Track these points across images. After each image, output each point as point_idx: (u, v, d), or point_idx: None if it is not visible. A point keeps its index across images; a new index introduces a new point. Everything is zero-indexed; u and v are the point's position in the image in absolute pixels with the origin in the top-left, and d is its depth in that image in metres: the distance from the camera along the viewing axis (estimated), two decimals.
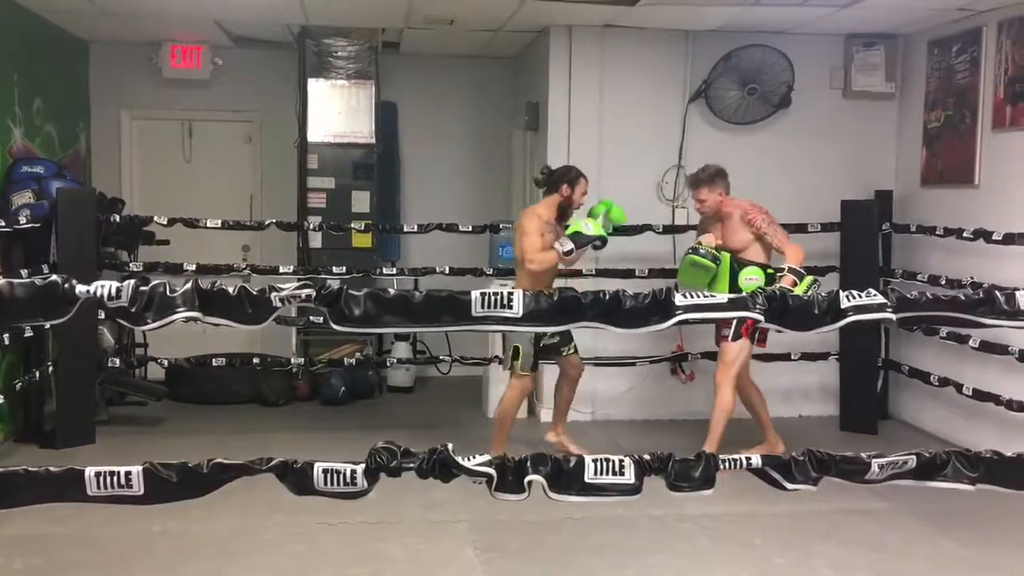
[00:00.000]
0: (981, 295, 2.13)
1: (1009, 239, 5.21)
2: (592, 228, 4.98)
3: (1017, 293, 2.13)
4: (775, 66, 6.40)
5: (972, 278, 5.53)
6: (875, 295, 2.08)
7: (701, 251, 5.17)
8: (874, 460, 2.20)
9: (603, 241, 5.06)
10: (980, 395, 5.53)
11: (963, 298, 2.15)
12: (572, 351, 5.40)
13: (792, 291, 4.90)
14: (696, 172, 5.37)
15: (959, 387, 5.70)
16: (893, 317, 2.10)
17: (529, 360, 5.11)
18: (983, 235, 5.40)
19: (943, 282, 5.76)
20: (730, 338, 5.23)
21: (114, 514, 3.34)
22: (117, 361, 6.24)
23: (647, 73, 6.49)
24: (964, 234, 5.55)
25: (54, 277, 1.89)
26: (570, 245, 4.91)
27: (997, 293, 2.13)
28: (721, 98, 6.46)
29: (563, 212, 5.13)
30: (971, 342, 5.56)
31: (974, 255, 5.67)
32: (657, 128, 6.48)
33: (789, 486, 2.22)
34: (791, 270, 5.02)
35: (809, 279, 5.06)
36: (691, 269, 5.20)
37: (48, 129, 6.71)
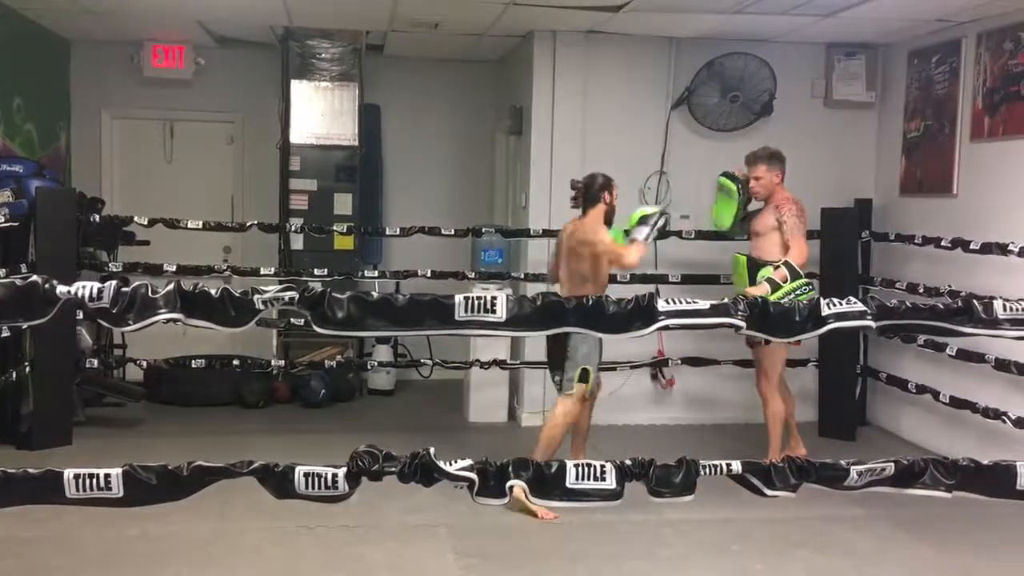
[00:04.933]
0: (960, 304, 2.16)
1: (986, 248, 5.26)
2: (650, 208, 4.95)
3: (995, 302, 2.15)
4: (757, 74, 6.44)
5: (950, 286, 5.58)
6: (855, 303, 2.10)
7: (731, 173, 5.36)
8: (853, 467, 2.22)
9: (665, 217, 4.99)
10: (957, 403, 5.58)
11: (942, 307, 2.17)
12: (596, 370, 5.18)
13: (775, 285, 4.96)
14: (756, 150, 5.38)
15: (936, 394, 5.75)
16: (873, 325, 2.12)
17: (596, 386, 5.02)
18: (961, 244, 5.45)
19: (921, 290, 5.82)
20: (771, 343, 5.22)
21: (91, 517, 3.31)
22: (95, 362, 6.20)
23: (630, 79, 6.51)
24: (942, 243, 5.60)
25: (35, 277, 1.88)
26: (645, 230, 4.82)
27: (975, 302, 2.16)
28: (703, 105, 6.50)
29: (608, 220, 5.01)
30: (948, 350, 5.61)
31: (952, 264, 5.72)
32: (640, 134, 6.51)
33: (769, 492, 2.24)
34: (786, 264, 5.06)
35: (796, 283, 5.03)
36: (718, 194, 5.46)
37: (28, 128, 6.66)
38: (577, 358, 4.87)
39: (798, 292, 5.02)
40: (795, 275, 5.04)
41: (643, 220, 4.86)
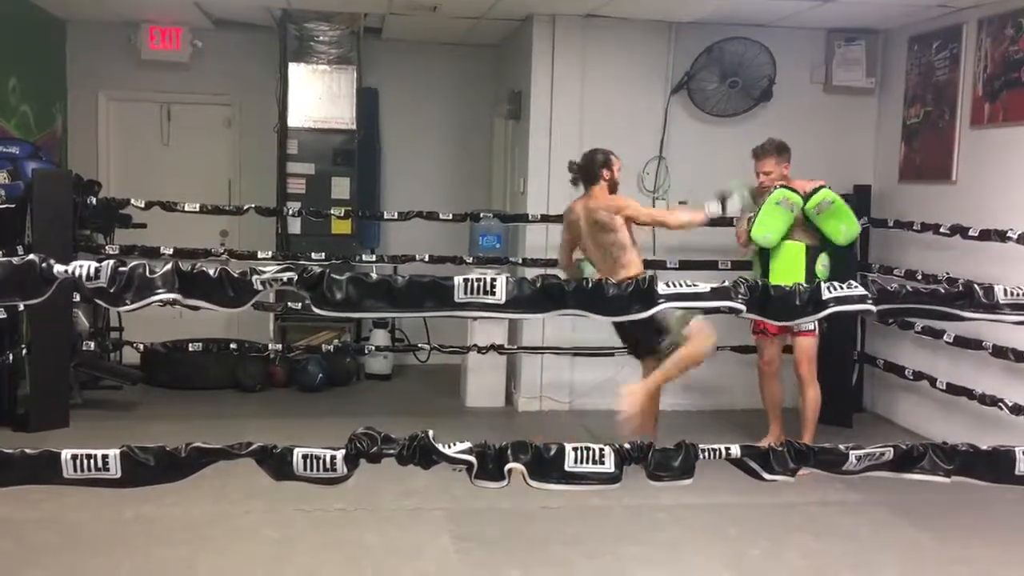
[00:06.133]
0: (960, 288, 2.15)
1: (985, 235, 5.26)
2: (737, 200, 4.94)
3: (995, 287, 2.15)
4: (757, 59, 6.42)
5: (948, 273, 5.58)
6: (856, 287, 2.09)
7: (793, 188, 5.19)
8: (852, 452, 2.22)
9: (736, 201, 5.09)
10: (954, 389, 5.59)
11: (943, 291, 2.17)
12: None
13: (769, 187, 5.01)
14: (763, 144, 5.32)
15: (933, 381, 5.76)
16: (873, 309, 2.11)
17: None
18: (959, 231, 5.45)
19: (919, 277, 5.82)
20: (815, 331, 5.25)
21: (87, 498, 3.31)
22: (92, 344, 6.18)
23: (629, 64, 6.49)
24: (941, 230, 5.60)
25: (32, 256, 1.87)
26: (718, 208, 4.88)
27: (976, 286, 2.15)
28: (702, 90, 6.48)
29: (611, 193, 5.02)
30: (946, 337, 5.62)
31: (950, 251, 5.72)
32: (639, 119, 6.49)
33: (767, 476, 2.23)
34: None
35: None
36: (776, 208, 5.15)
37: (24, 109, 6.63)
38: (673, 324, 4.83)
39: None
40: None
41: (723, 197, 4.85)
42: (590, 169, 4.93)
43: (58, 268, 1.86)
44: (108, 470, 2.01)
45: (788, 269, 5.21)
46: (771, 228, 5.18)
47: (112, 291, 1.86)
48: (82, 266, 1.87)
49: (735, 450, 2.23)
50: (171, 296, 1.90)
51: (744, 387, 6.33)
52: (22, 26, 6.65)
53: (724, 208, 4.91)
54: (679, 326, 4.83)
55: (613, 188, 4.97)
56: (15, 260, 1.87)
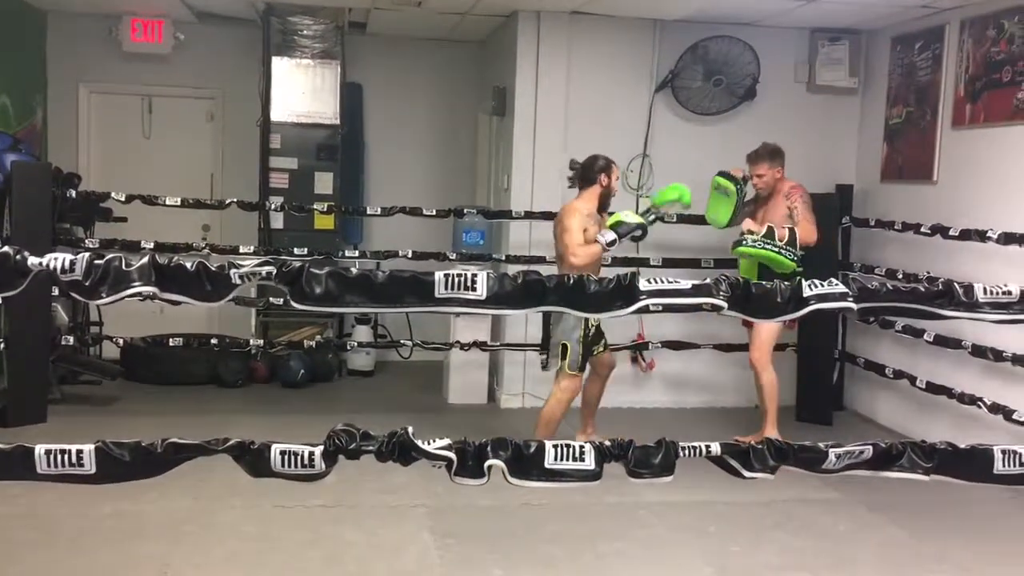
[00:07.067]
0: (940, 287, 2.16)
1: (965, 235, 5.29)
2: (632, 217, 4.96)
3: (975, 285, 2.15)
4: (741, 58, 6.43)
5: (928, 272, 5.62)
6: (837, 284, 2.10)
7: (728, 173, 5.43)
8: (831, 450, 2.22)
9: (644, 230, 5.02)
10: (933, 388, 5.62)
11: (923, 289, 2.17)
12: (603, 349, 5.22)
13: (771, 235, 5.08)
14: (757, 148, 5.51)
15: (913, 380, 5.79)
16: (854, 306, 2.12)
17: (578, 360, 4.93)
18: (940, 231, 5.48)
19: (900, 276, 5.85)
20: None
21: (65, 494, 3.27)
22: (71, 339, 6.13)
23: (614, 62, 6.49)
24: (922, 229, 5.63)
25: (6, 248, 1.84)
26: (612, 236, 4.87)
27: (956, 285, 2.16)
28: (687, 88, 6.48)
29: (604, 202, 5.05)
30: (926, 336, 5.65)
31: (931, 250, 5.75)
32: (623, 117, 6.49)
33: (747, 474, 2.24)
34: (791, 231, 5.22)
35: (788, 259, 5.19)
36: (714, 193, 5.52)
37: (3, 101, 6.57)
38: (557, 335, 4.90)
39: (785, 254, 5.11)
40: (792, 246, 5.18)
41: (616, 226, 4.90)
42: (588, 171, 5.01)
43: (32, 260, 1.84)
44: (83, 466, 1.99)
45: (746, 267, 5.50)
46: (712, 211, 5.63)
47: (87, 284, 1.84)
48: (57, 259, 1.85)
49: (715, 448, 2.23)
50: (148, 289, 1.88)
51: (734, 385, 6.36)
52: (2, 17, 6.58)
53: (620, 233, 4.91)
54: (559, 352, 4.94)
55: (607, 196, 5.03)
56: None
